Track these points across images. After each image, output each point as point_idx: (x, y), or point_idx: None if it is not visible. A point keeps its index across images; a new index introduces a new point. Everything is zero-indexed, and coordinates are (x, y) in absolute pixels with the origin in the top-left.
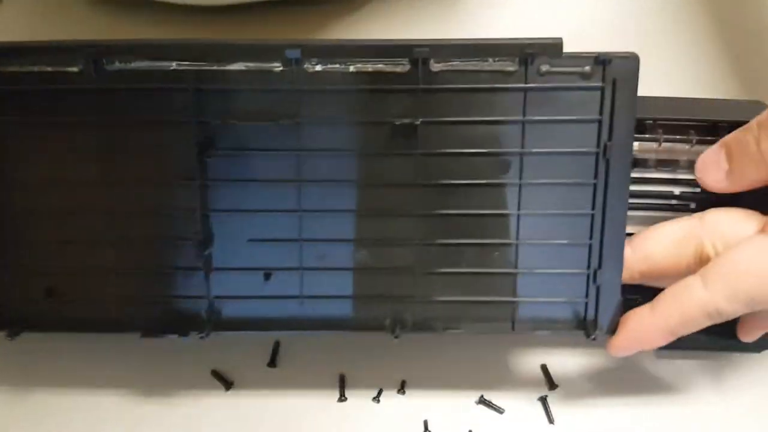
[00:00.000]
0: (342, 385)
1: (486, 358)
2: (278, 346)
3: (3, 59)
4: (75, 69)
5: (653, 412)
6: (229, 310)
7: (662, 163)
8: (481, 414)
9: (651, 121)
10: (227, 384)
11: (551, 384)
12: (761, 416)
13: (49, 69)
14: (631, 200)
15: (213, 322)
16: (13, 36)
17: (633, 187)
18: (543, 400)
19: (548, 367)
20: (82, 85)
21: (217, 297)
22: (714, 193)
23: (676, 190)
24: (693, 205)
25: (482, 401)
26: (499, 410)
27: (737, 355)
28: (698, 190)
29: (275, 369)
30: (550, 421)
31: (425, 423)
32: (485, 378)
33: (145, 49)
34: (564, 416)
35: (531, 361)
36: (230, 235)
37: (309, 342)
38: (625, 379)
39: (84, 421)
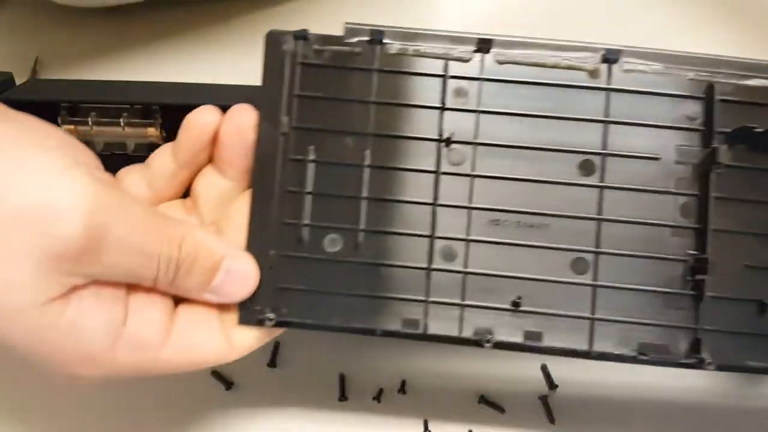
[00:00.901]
0: (342, 385)
1: (486, 357)
2: (278, 346)
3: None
4: (590, 68)
5: (653, 411)
6: (721, 346)
7: None
8: (482, 414)
9: None
10: (227, 384)
11: (551, 384)
12: (761, 416)
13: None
14: None
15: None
16: (13, 36)
17: None
18: (543, 399)
19: (548, 366)
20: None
21: (707, 330)
22: None
23: None
24: None
25: (483, 401)
26: (499, 410)
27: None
28: None
29: (275, 369)
30: (551, 420)
31: (425, 423)
32: (485, 377)
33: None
34: (564, 416)
35: (531, 360)
36: (727, 258)
37: (309, 342)
38: (626, 380)
39: (84, 421)
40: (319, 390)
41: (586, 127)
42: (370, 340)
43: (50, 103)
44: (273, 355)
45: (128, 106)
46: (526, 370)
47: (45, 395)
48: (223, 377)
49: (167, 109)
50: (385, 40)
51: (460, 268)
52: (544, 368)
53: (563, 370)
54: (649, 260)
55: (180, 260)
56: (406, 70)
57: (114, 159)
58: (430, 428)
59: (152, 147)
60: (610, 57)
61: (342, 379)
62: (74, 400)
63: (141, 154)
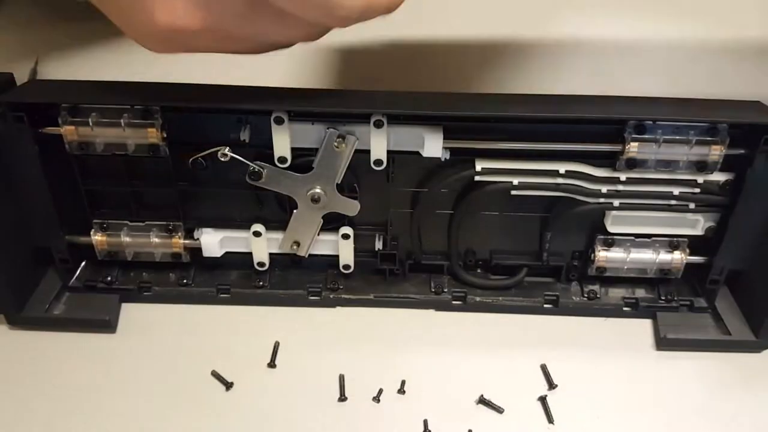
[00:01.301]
0: (342, 385)
1: (486, 357)
2: (278, 346)
3: None
4: None
5: (652, 411)
6: None
7: (661, 164)
8: (481, 413)
9: (651, 122)
10: (227, 384)
11: (551, 384)
12: (760, 415)
13: None
14: (629, 200)
15: None
16: (14, 36)
17: (632, 188)
18: (542, 399)
19: (548, 366)
20: None
21: None
22: (712, 194)
23: (675, 191)
24: (692, 206)
25: (482, 401)
26: (498, 410)
27: (737, 355)
28: (697, 190)
29: (275, 369)
30: (550, 420)
31: (425, 423)
32: (485, 377)
33: None
34: (564, 416)
35: (531, 360)
36: None
37: (309, 342)
38: (625, 379)
39: (84, 421)
40: (319, 390)
41: None
42: (371, 339)
43: (51, 105)
44: (273, 355)
45: (129, 107)
46: (525, 370)
47: (46, 394)
48: (223, 377)
49: (167, 111)
50: None
51: None
52: (543, 368)
53: (563, 369)
54: None
55: None
56: None
57: (114, 159)
58: (429, 428)
59: (153, 148)
60: None
61: (342, 379)
62: (75, 399)
63: (142, 155)
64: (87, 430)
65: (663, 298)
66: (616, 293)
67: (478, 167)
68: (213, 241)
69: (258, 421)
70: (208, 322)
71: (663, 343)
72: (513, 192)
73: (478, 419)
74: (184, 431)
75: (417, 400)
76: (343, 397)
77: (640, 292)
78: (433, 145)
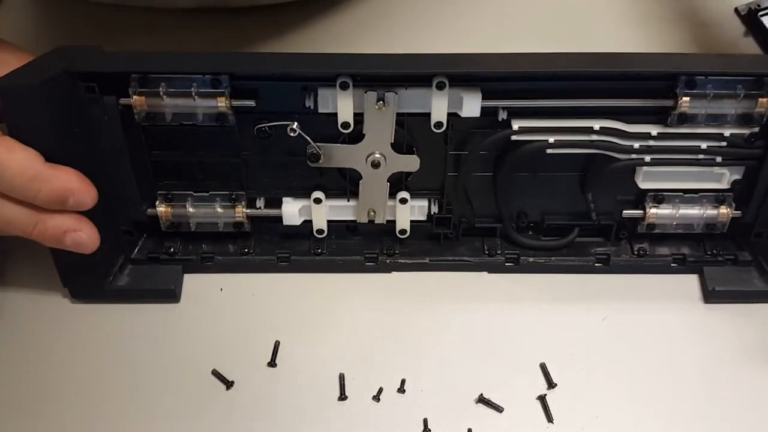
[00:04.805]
0: (342, 385)
1: (485, 356)
2: (278, 345)
3: None
4: None
5: (652, 410)
6: None
7: (711, 118)
8: (481, 412)
9: (702, 77)
10: (227, 384)
11: (550, 382)
12: (758, 419)
13: None
14: (675, 156)
15: None
16: (14, 34)
17: (682, 143)
18: (542, 398)
19: (547, 365)
20: None
21: None
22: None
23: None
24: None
25: (482, 400)
26: (498, 408)
27: (736, 363)
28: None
29: (275, 369)
30: (549, 419)
31: (425, 421)
32: (484, 376)
33: None
34: (563, 414)
35: (530, 359)
36: None
37: (309, 342)
38: (624, 378)
39: (84, 421)
40: (319, 390)
41: None
42: (370, 339)
43: (121, 74)
44: (273, 354)
45: (199, 76)
46: (524, 369)
47: (44, 395)
48: (223, 377)
49: (236, 79)
50: None
51: None
52: (543, 367)
53: (562, 368)
54: None
55: None
56: None
57: (180, 129)
58: (429, 427)
59: (221, 117)
60: None
61: (342, 378)
62: (74, 400)
63: (209, 124)
64: (87, 429)
65: (709, 253)
66: (664, 251)
67: (515, 126)
68: (293, 210)
69: (258, 420)
70: (208, 320)
71: (711, 295)
72: (555, 151)
73: (478, 418)
74: (184, 431)
75: (417, 399)
76: (343, 396)
77: (686, 249)
78: (473, 106)
